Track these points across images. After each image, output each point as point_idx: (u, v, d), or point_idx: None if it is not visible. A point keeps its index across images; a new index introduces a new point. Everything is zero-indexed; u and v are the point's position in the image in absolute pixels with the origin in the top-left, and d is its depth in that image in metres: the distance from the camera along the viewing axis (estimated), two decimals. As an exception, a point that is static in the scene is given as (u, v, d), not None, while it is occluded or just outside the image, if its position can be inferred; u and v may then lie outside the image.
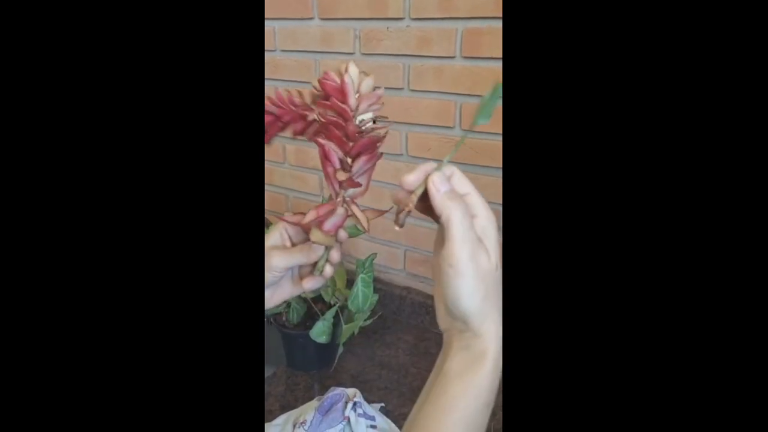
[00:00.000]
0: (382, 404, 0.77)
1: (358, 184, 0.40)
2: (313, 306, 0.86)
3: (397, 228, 0.36)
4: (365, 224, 0.41)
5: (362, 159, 0.39)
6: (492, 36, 0.78)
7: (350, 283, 0.85)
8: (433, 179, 0.34)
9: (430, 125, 0.89)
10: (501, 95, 0.32)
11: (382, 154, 0.40)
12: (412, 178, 0.35)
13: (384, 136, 0.39)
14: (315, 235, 0.41)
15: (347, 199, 0.41)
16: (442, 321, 0.37)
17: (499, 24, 0.77)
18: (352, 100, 0.36)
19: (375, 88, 0.38)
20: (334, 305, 0.84)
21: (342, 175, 0.39)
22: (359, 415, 0.70)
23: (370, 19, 0.89)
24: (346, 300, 0.84)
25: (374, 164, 0.40)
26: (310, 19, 0.96)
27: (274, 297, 0.46)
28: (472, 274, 0.32)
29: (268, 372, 0.87)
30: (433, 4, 0.82)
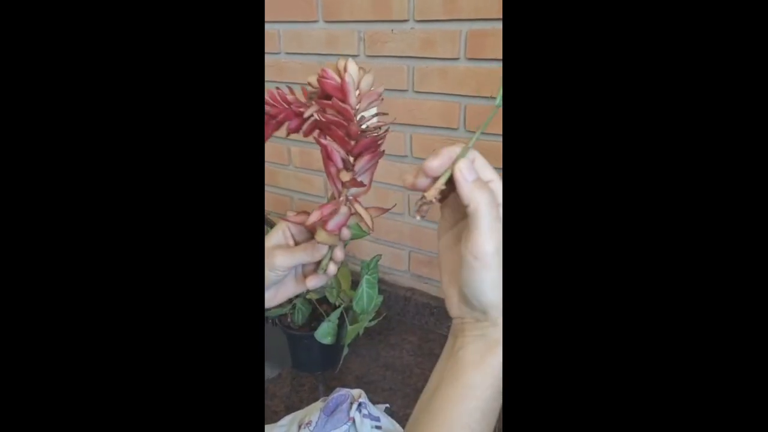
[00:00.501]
0: (387, 405, 0.77)
1: (362, 184, 0.40)
2: (318, 307, 0.86)
3: (417, 218, 0.34)
4: (369, 222, 0.41)
5: (365, 158, 0.39)
6: (496, 37, 0.79)
7: (355, 284, 0.85)
8: (461, 167, 0.32)
9: (435, 127, 0.89)
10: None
11: (384, 151, 0.40)
12: (437, 164, 0.33)
13: (385, 134, 0.39)
14: (320, 235, 0.41)
15: (350, 197, 0.41)
16: (456, 309, 0.36)
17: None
18: (353, 99, 0.36)
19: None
20: (339, 306, 0.84)
21: (345, 176, 0.39)
22: (364, 415, 0.70)
23: (375, 22, 0.89)
24: (350, 301, 0.84)
25: (376, 162, 0.40)
26: (315, 21, 0.96)
27: (277, 295, 0.47)
28: (497, 266, 0.32)
29: (273, 373, 0.87)
30: (437, 6, 0.82)
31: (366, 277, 0.83)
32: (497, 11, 0.77)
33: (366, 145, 0.38)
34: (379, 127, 0.39)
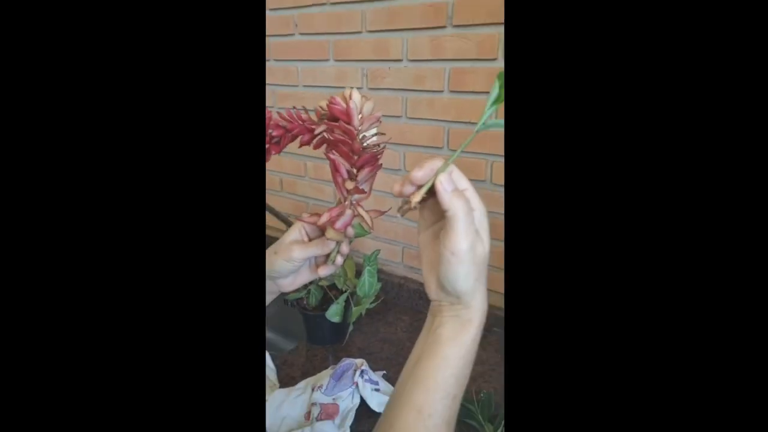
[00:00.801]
0: (384, 372, 0.77)
1: (363, 191, 0.40)
2: (328, 292, 0.86)
3: (399, 215, 0.34)
4: (369, 222, 0.41)
5: (366, 170, 0.39)
6: (474, 74, 0.79)
7: (359, 273, 0.85)
8: (441, 179, 0.31)
9: (424, 146, 0.89)
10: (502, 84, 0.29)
11: (381, 164, 0.40)
12: (421, 175, 0.32)
13: (382, 150, 0.39)
14: (329, 232, 0.41)
15: (354, 202, 0.41)
16: (434, 294, 0.36)
17: (479, 65, 0.78)
18: (356, 121, 0.36)
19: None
20: (346, 291, 0.84)
21: (349, 184, 0.39)
22: (365, 380, 0.70)
23: (375, 61, 0.90)
24: (355, 287, 0.84)
25: (375, 174, 0.40)
26: (326, 60, 0.97)
27: (295, 282, 0.47)
28: (470, 261, 0.32)
29: (291, 346, 0.87)
30: (426, 49, 0.82)
31: (367, 267, 0.83)
32: (474, 53, 0.77)
33: (367, 160, 0.38)
34: (378, 145, 0.39)
